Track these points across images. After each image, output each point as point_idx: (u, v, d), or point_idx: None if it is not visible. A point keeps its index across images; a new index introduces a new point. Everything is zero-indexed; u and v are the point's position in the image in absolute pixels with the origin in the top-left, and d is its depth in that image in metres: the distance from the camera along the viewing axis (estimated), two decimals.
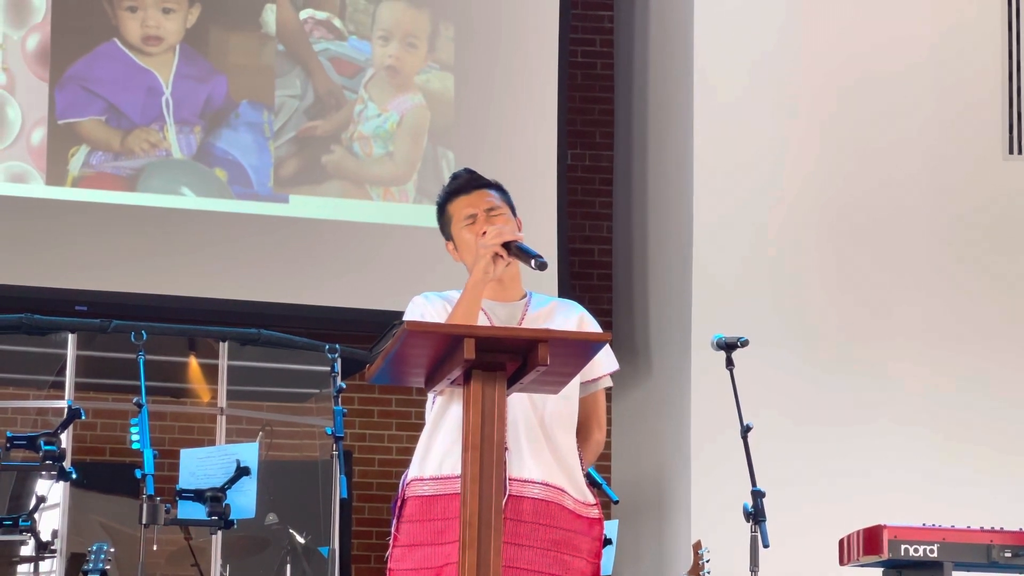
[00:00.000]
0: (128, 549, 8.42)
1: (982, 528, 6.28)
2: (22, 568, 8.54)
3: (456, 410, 4.14)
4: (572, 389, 4.23)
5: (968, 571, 6.28)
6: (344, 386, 6.69)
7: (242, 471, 6.60)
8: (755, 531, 6.07)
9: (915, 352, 9.37)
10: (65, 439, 6.55)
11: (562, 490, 4.16)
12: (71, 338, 8.73)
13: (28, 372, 9.58)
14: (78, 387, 8.77)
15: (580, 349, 3.95)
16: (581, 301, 10.75)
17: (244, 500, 6.61)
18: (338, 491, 6.26)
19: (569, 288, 9.87)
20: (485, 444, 3.83)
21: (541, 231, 9.80)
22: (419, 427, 4.38)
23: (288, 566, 8.63)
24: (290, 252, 9.54)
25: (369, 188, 9.75)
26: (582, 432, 4.30)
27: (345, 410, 6.58)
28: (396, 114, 9.83)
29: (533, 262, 4.14)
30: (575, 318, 4.36)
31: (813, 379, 9.27)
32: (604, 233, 10.67)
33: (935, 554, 6.10)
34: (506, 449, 4.12)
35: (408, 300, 4.35)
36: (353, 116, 9.77)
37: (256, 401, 9.85)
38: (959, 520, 6.48)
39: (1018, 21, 9.71)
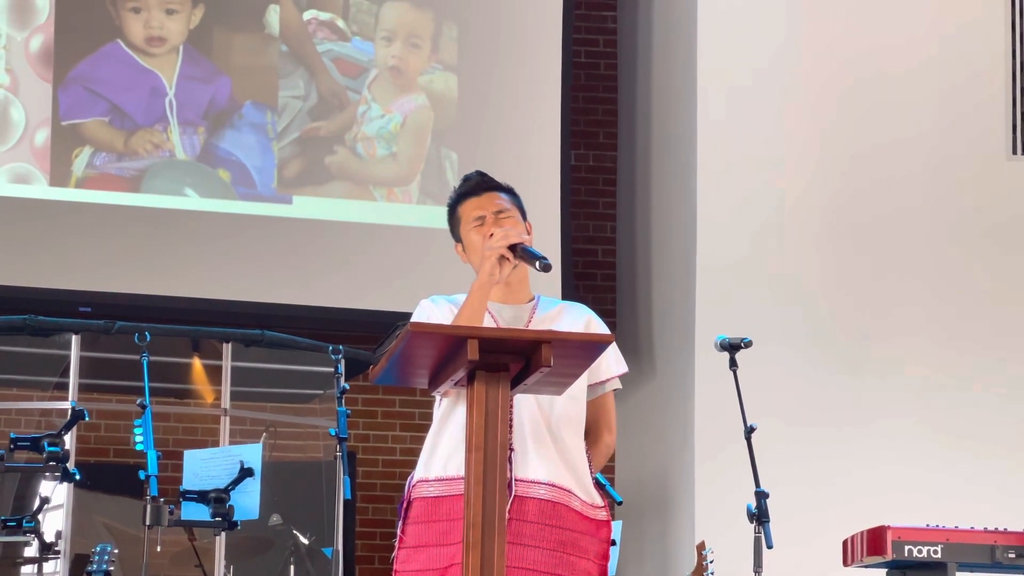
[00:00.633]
0: (131, 550, 8.42)
1: (986, 529, 6.28)
2: (26, 569, 8.54)
3: (462, 411, 4.14)
4: (579, 390, 4.23)
5: (972, 572, 6.28)
6: (348, 387, 6.69)
7: (246, 472, 6.60)
8: (759, 532, 6.07)
9: (919, 352, 9.36)
10: (69, 440, 6.54)
11: (569, 491, 4.16)
12: (75, 339, 8.73)
13: (32, 373, 9.58)
14: (82, 388, 8.77)
15: (584, 350, 3.94)
16: (585, 301, 10.75)
17: (248, 501, 6.60)
18: (342, 492, 6.26)
19: (573, 289, 9.87)
20: (489, 445, 3.82)
21: (545, 232, 9.79)
22: (423, 428, 4.38)
23: (292, 567, 8.63)
24: (293, 253, 9.54)
25: (372, 189, 9.75)
26: (592, 435, 4.30)
27: (349, 411, 6.58)
28: (399, 115, 9.83)
29: (538, 263, 4.14)
30: (583, 321, 4.36)
31: (816, 379, 9.26)
32: (608, 234, 10.66)
33: (939, 555, 6.09)
34: (511, 450, 4.13)
35: (412, 301, 4.37)
36: (356, 117, 9.77)
37: (260, 402, 9.85)
38: (963, 521, 6.48)
39: (1022, 22, 9.70)
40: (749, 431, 6.23)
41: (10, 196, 9.22)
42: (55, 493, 7.88)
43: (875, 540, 6.14)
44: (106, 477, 9.15)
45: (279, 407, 10.04)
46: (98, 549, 6.77)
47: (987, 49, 9.66)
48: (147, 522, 6.31)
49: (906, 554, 6.08)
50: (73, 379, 8.69)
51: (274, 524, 8.71)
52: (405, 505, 4.23)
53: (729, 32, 9.62)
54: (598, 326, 4.37)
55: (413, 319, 4.27)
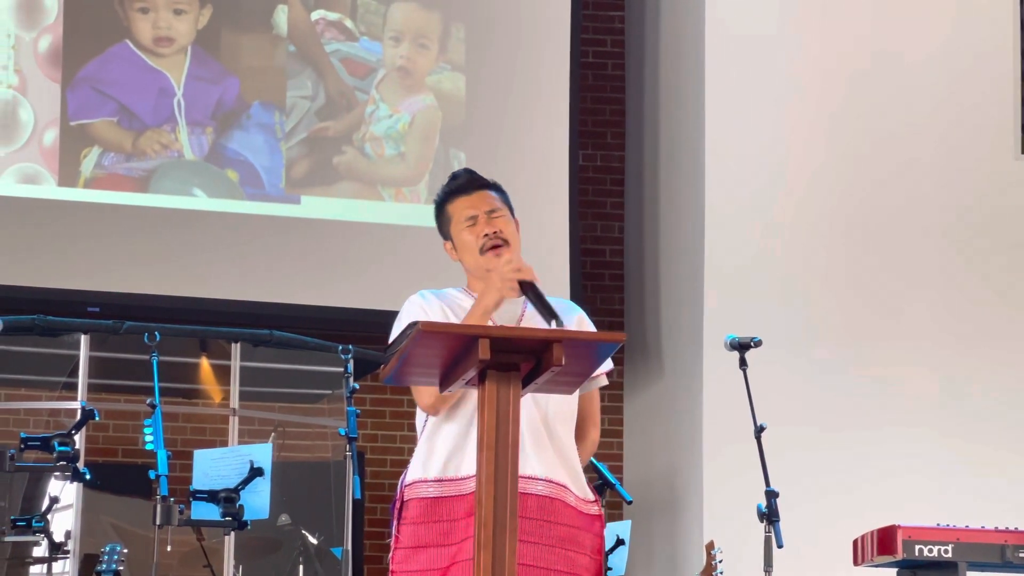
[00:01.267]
0: (140, 550, 8.42)
1: (996, 528, 6.27)
2: (35, 569, 8.55)
3: (460, 413, 4.17)
4: None
5: (982, 571, 6.27)
6: (357, 387, 6.69)
7: (256, 472, 6.60)
8: (769, 531, 6.07)
9: (928, 352, 9.36)
10: (78, 440, 6.55)
11: (564, 487, 4.18)
12: (84, 339, 8.73)
13: (40, 373, 9.59)
14: (90, 388, 8.78)
15: (594, 350, 3.95)
16: (592, 302, 10.81)
17: (258, 501, 6.60)
18: (351, 492, 6.26)
19: (580, 289, 9.86)
20: (500, 445, 3.82)
21: (552, 232, 9.79)
22: None
23: (301, 567, 8.62)
24: (302, 253, 9.54)
25: (381, 189, 9.75)
26: (579, 430, 4.31)
27: (358, 411, 6.58)
28: (407, 115, 9.83)
29: (553, 322, 4.10)
30: (574, 319, 4.36)
31: (825, 379, 9.26)
32: (615, 234, 10.66)
33: (949, 554, 6.09)
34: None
35: None
36: (365, 117, 9.77)
37: (268, 402, 9.85)
38: (973, 520, 6.48)
39: None
40: (759, 430, 6.23)
41: (19, 196, 9.23)
42: (64, 493, 7.89)
43: (886, 540, 6.14)
44: (115, 477, 9.16)
45: (287, 407, 10.04)
46: (107, 549, 6.77)
47: (996, 49, 9.65)
48: (157, 522, 6.31)
49: (917, 553, 6.08)
50: (82, 379, 8.70)
51: (283, 524, 8.71)
52: (399, 505, 4.23)
53: (736, 32, 9.61)
54: (589, 324, 4.39)
55: (403, 314, 4.29)
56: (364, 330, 9.56)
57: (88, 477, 6.24)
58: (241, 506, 6.54)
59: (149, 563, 8.68)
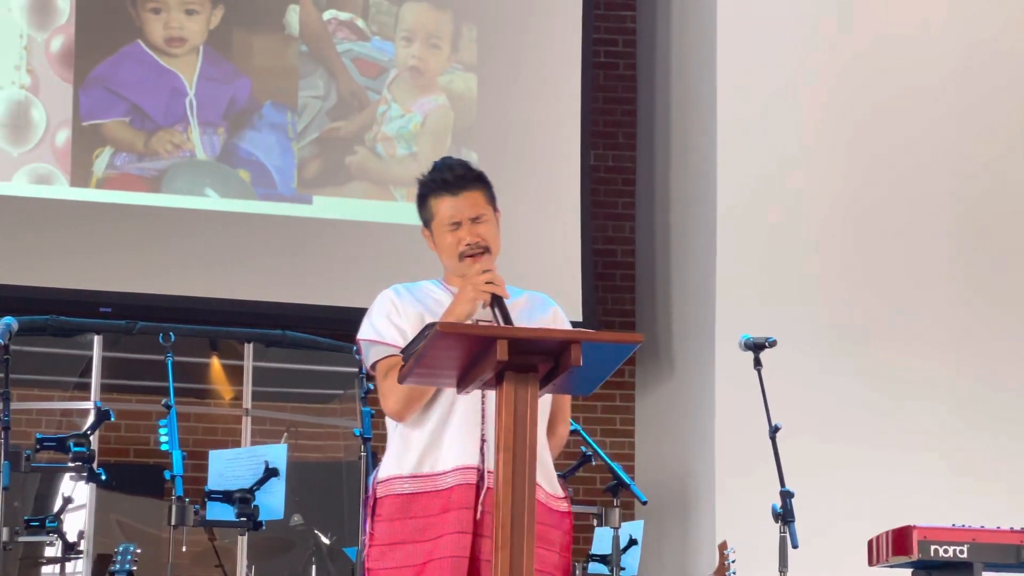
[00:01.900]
0: (152, 550, 8.43)
1: (1012, 529, 6.26)
2: (48, 569, 8.55)
3: (435, 409, 4.16)
4: None
5: (998, 572, 6.25)
6: (372, 387, 6.68)
7: (271, 472, 6.60)
8: (784, 531, 6.07)
9: (943, 351, 9.35)
10: (93, 441, 6.55)
11: (536, 484, 4.16)
12: (97, 339, 8.74)
13: (52, 374, 9.60)
14: (102, 388, 8.79)
15: (612, 350, 3.95)
16: (604, 302, 10.81)
17: (272, 501, 6.60)
18: (365, 491, 6.24)
19: (592, 289, 9.86)
20: (518, 446, 3.82)
21: (564, 232, 9.79)
22: None
23: (313, 567, 8.63)
24: (313, 253, 9.54)
25: (393, 189, 9.75)
26: (549, 426, 4.30)
27: (373, 411, 6.58)
28: (419, 115, 9.83)
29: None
30: (550, 313, 4.37)
31: (838, 379, 9.25)
32: (627, 234, 10.65)
33: (965, 555, 6.07)
34: (484, 441, 4.14)
35: None
36: (376, 117, 9.77)
37: (280, 402, 9.85)
38: (989, 521, 6.46)
39: None
40: (774, 430, 6.22)
41: (31, 196, 9.23)
42: (76, 492, 7.89)
43: (901, 540, 6.12)
44: (127, 478, 9.17)
45: (300, 407, 10.04)
46: (121, 549, 6.78)
47: (1012, 49, 9.65)
48: (173, 522, 6.31)
49: (932, 554, 6.06)
50: (95, 379, 8.71)
51: (295, 524, 8.71)
52: (372, 503, 4.22)
53: (748, 31, 9.61)
54: (564, 318, 4.38)
55: (375, 310, 4.29)
56: None
57: (104, 478, 6.24)
58: (256, 506, 6.54)
59: (160, 563, 8.69)
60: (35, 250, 9.18)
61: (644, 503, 6.52)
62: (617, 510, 6.64)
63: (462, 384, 4.01)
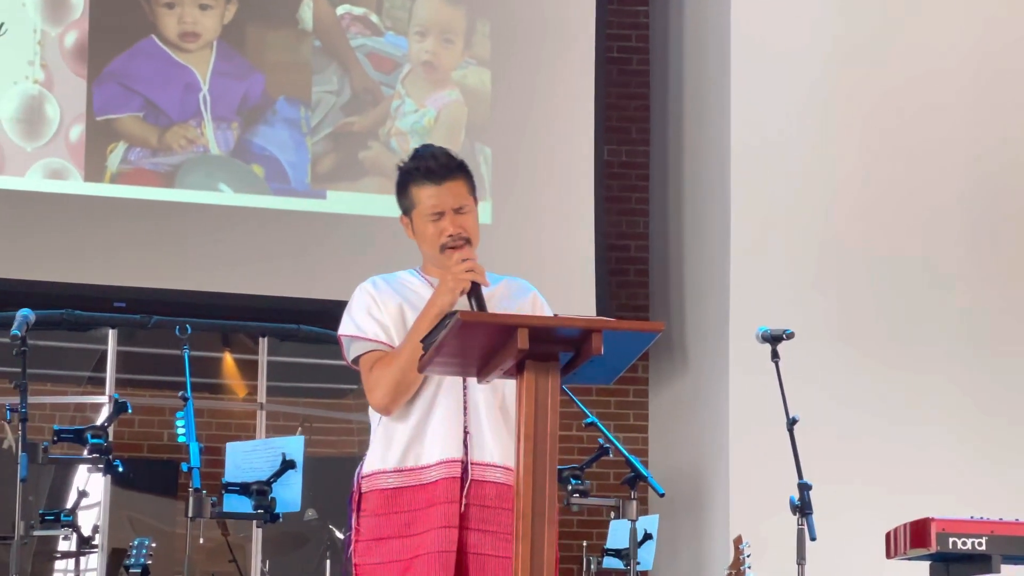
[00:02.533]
0: (164, 545, 8.43)
1: None
2: (61, 564, 8.57)
3: (418, 402, 4.15)
4: None
5: (1017, 564, 6.25)
6: None
7: (287, 464, 6.59)
8: (802, 524, 6.05)
9: (959, 343, 9.33)
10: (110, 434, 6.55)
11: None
12: (112, 334, 8.75)
13: (65, 368, 9.61)
14: (116, 383, 8.79)
15: (633, 339, 3.94)
16: (618, 297, 10.78)
17: (289, 493, 6.60)
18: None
19: (606, 284, 9.85)
20: (539, 435, 3.81)
21: (577, 227, 9.79)
22: None
23: (328, 561, 8.63)
24: (327, 248, 9.54)
25: None
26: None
27: None
28: (433, 110, 9.82)
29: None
30: (528, 298, 4.35)
31: (853, 372, 9.24)
32: (640, 229, 10.65)
33: (983, 547, 6.06)
34: (467, 433, 4.14)
35: None
36: (390, 112, 9.77)
37: (294, 397, 9.86)
38: (1006, 513, 6.45)
39: None
40: (791, 423, 6.21)
41: (45, 192, 9.24)
42: (90, 486, 7.90)
43: (919, 532, 6.11)
44: (140, 473, 9.17)
45: (314, 402, 10.04)
46: (136, 543, 6.78)
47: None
48: (190, 514, 6.31)
49: (950, 546, 6.05)
50: (110, 373, 8.72)
51: (309, 519, 8.71)
52: (357, 497, 4.21)
53: (762, 24, 9.59)
54: (543, 303, 4.37)
55: (354, 304, 4.29)
56: None
57: (121, 470, 6.24)
58: (273, 499, 6.54)
59: (173, 559, 8.69)
60: (49, 245, 9.18)
61: (661, 495, 6.50)
62: (634, 502, 6.62)
63: (482, 373, 4.00)
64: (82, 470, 7.91)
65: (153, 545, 6.74)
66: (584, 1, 10.01)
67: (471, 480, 4.11)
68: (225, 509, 6.53)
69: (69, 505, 7.40)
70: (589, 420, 6.75)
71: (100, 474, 6.40)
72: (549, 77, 9.97)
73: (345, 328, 4.29)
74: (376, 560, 4.16)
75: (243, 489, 6.50)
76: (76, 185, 9.28)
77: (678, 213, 10.31)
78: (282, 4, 9.72)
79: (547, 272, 9.20)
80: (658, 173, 10.60)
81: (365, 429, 8.42)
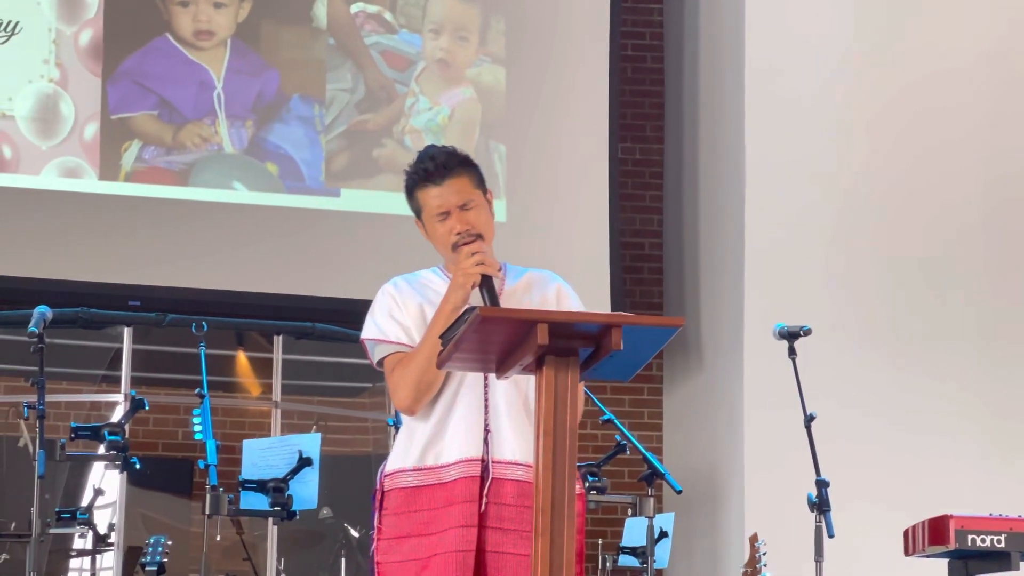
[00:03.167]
0: (181, 544, 8.43)
1: None
2: (76, 562, 8.57)
3: (441, 400, 4.15)
4: None
5: None
6: None
7: (304, 462, 6.59)
8: (819, 521, 6.04)
9: (976, 341, 9.32)
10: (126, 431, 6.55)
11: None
12: (127, 332, 8.75)
13: (79, 367, 9.61)
14: (131, 382, 8.79)
15: (652, 334, 3.93)
16: (632, 295, 10.76)
17: (306, 491, 6.60)
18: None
19: (620, 282, 9.84)
20: (558, 431, 3.80)
21: (592, 225, 9.78)
22: None
23: (343, 560, 8.63)
24: (342, 246, 9.54)
25: None
26: None
27: None
28: (447, 107, 9.82)
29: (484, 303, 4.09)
30: (553, 290, 4.34)
31: (869, 369, 9.23)
32: (655, 227, 10.64)
33: (1002, 544, 6.04)
34: (488, 431, 4.12)
35: None
36: (404, 110, 9.76)
37: (309, 395, 9.85)
38: None
39: None
40: (809, 419, 6.19)
41: (60, 190, 9.25)
42: (105, 484, 7.89)
43: (937, 529, 6.09)
44: (156, 471, 9.17)
45: (328, 400, 10.04)
46: (152, 541, 6.78)
47: None
48: (207, 511, 6.30)
49: (969, 543, 6.03)
50: (126, 371, 8.72)
51: (324, 517, 8.71)
52: (380, 496, 4.20)
53: (776, 22, 9.58)
54: (567, 294, 4.35)
55: (377, 305, 4.27)
56: None
57: (138, 467, 6.24)
58: (290, 496, 6.54)
59: (188, 558, 8.69)
60: (64, 244, 9.19)
61: (679, 492, 6.50)
62: (651, 499, 6.62)
63: (501, 369, 3.99)
64: (98, 468, 7.92)
65: (169, 543, 6.73)
66: None
67: (492, 479, 4.10)
68: (242, 507, 6.52)
69: (85, 503, 7.39)
70: (606, 417, 6.74)
71: (117, 471, 6.40)
72: (564, 74, 9.96)
73: (368, 332, 4.29)
74: (397, 558, 4.15)
75: (260, 486, 6.50)
76: (91, 184, 9.29)
77: (693, 211, 10.30)
78: (296, 2, 9.73)
79: (561, 270, 9.09)
80: (672, 171, 10.59)
81: (380, 428, 8.43)
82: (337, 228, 9.55)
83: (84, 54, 9.36)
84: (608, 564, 8.09)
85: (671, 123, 10.65)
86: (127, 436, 6.27)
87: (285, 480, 6.53)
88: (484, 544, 4.08)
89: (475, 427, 4.13)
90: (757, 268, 9.39)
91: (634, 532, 7.61)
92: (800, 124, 9.50)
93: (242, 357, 9.84)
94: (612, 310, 9.46)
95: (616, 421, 6.74)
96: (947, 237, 9.44)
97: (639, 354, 3.95)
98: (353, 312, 9.43)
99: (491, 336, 3.84)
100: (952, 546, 6.02)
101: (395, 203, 9.70)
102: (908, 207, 9.47)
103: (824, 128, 9.51)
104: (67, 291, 9.02)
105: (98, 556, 7.56)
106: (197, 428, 6.30)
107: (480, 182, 4.31)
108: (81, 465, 8.37)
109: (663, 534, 7.58)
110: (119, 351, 8.89)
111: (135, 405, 6.35)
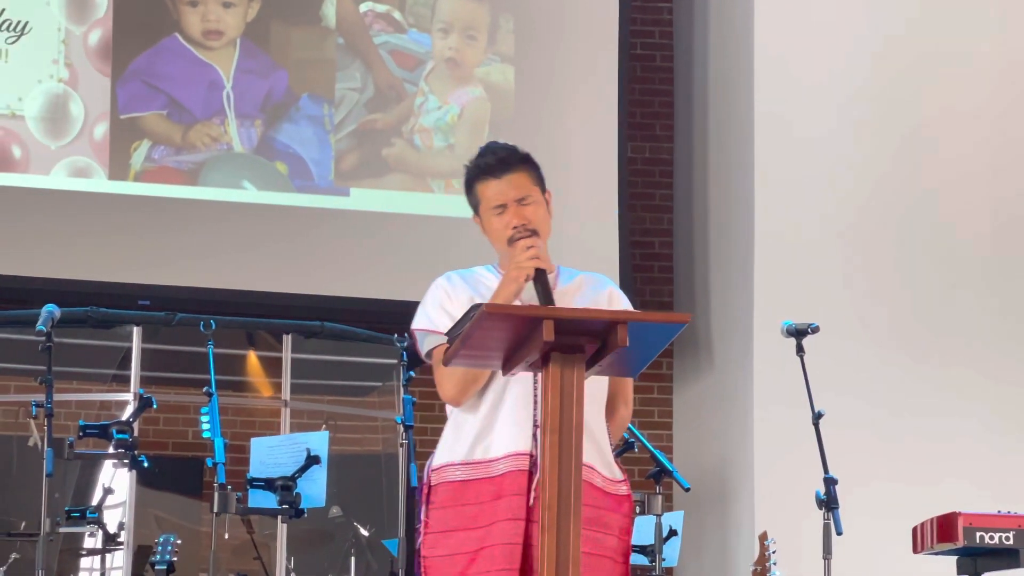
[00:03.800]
0: (190, 543, 8.44)
1: None
2: (86, 561, 8.57)
3: (488, 394, 4.14)
4: None
5: None
6: (414, 374, 6.67)
7: (312, 460, 6.59)
8: (828, 518, 6.03)
9: (985, 338, 9.31)
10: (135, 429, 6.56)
11: (591, 467, 4.12)
12: (136, 331, 8.76)
13: (90, 366, 9.62)
14: (141, 381, 8.80)
15: (658, 331, 3.93)
16: (642, 294, 10.76)
17: (314, 489, 6.60)
18: (407, 480, 6.24)
19: (630, 281, 9.84)
20: (564, 427, 3.81)
21: (602, 224, 9.78)
22: None
23: (352, 558, 8.63)
24: (351, 245, 9.55)
25: (430, 181, 9.75)
26: (608, 408, 4.27)
27: (414, 398, 6.56)
28: (457, 106, 9.82)
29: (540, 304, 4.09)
30: (605, 292, 4.33)
31: (878, 366, 9.22)
32: (665, 225, 10.63)
33: (1011, 541, 6.04)
34: (537, 426, 4.10)
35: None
36: (414, 109, 9.77)
37: (318, 394, 9.86)
38: None
39: None
40: (817, 417, 6.19)
41: (69, 190, 9.27)
42: (115, 483, 7.90)
43: (946, 527, 6.09)
44: (166, 471, 9.18)
45: (338, 399, 10.04)
46: (161, 540, 6.78)
47: None
48: (215, 509, 6.30)
49: (977, 541, 6.03)
50: (135, 370, 8.73)
51: (334, 516, 8.71)
52: (427, 491, 4.20)
53: (786, 21, 9.57)
54: (620, 297, 4.35)
55: (428, 298, 4.28)
56: None
57: (147, 465, 6.24)
58: (298, 494, 6.53)
59: (198, 557, 8.70)
60: (73, 243, 9.21)
61: (687, 490, 6.49)
62: (660, 497, 6.62)
63: (508, 366, 3.99)
64: (107, 468, 7.92)
65: (178, 542, 6.73)
66: None
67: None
68: (250, 505, 6.52)
69: (95, 502, 7.41)
70: None
71: (126, 470, 6.40)
72: (573, 73, 9.96)
73: (418, 322, 4.29)
74: (443, 552, 4.14)
75: (268, 485, 6.49)
76: (100, 183, 9.31)
77: (702, 209, 10.29)
78: (305, 2, 9.74)
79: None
80: (682, 169, 10.59)
81: (389, 427, 8.42)
82: (346, 227, 9.56)
83: (93, 54, 9.37)
84: None
85: (681, 122, 10.65)
86: (135, 434, 6.28)
87: (293, 478, 6.53)
88: (530, 539, 4.07)
89: (524, 421, 4.12)
90: (767, 267, 9.38)
91: (643, 530, 7.60)
92: (810, 123, 9.49)
93: (252, 357, 9.85)
94: None
95: None
96: (957, 235, 9.43)
97: (645, 351, 3.96)
98: (364, 311, 9.50)
99: (497, 332, 3.85)
100: (961, 543, 6.02)
101: (404, 202, 9.76)
102: (921, 204, 9.46)
103: (834, 125, 9.51)
104: (77, 291, 9.03)
105: (108, 555, 7.58)
106: (205, 426, 6.30)
107: (539, 180, 4.32)
108: (91, 464, 8.38)
109: (672, 532, 7.57)
110: (130, 350, 8.90)
111: (143, 403, 6.36)
